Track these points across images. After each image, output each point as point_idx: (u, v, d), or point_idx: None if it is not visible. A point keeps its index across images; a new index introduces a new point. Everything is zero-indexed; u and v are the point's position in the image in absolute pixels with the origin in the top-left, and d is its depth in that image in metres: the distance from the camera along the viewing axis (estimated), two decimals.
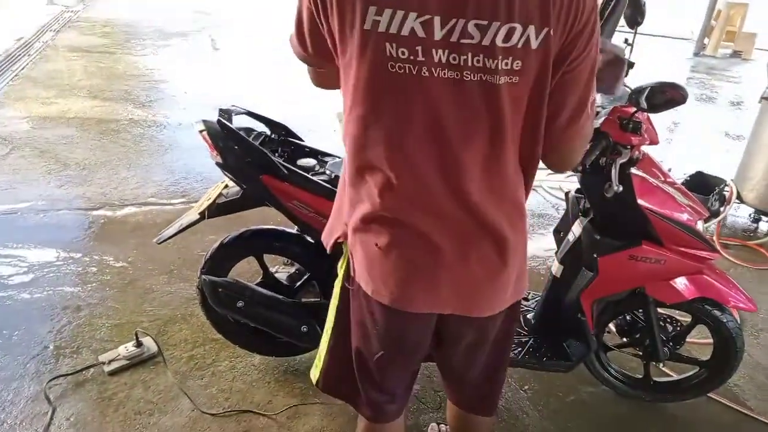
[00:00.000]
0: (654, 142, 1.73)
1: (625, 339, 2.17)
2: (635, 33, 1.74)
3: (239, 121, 1.92)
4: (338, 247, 1.25)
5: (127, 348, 2.28)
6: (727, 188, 3.59)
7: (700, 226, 1.84)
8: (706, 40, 7.57)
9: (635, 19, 1.71)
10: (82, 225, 3.16)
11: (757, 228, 3.59)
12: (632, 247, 1.75)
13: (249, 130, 1.92)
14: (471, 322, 1.18)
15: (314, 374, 1.43)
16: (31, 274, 2.72)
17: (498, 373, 1.40)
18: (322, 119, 4.60)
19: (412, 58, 0.94)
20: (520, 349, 2.05)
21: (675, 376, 2.26)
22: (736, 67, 7.42)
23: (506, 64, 0.94)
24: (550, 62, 0.97)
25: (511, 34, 0.92)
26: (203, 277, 1.96)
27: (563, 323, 2.02)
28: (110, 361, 2.23)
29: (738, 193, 3.56)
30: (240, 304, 1.93)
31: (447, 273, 1.10)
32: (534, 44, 0.94)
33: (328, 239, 1.27)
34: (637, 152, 1.72)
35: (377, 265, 1.11)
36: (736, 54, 7.71)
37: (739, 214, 3.76)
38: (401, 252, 1.09)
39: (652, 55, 6.57)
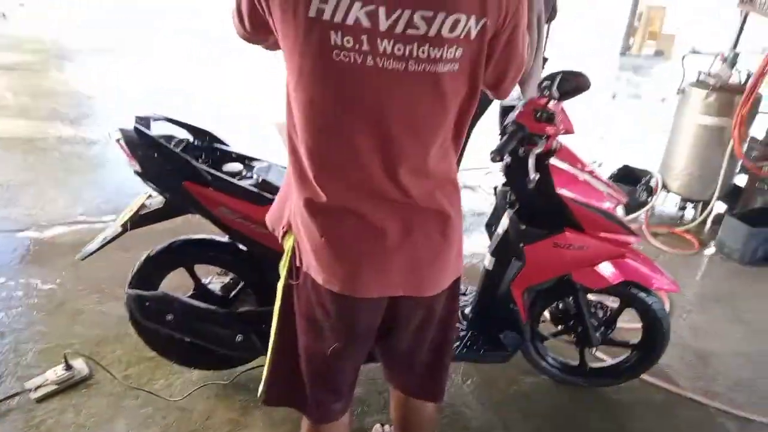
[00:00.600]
0: (569, 131, 1.79)
1: (559, 327, 2.23)
2: (548, 28, 1.81)
3: (161, 129, 1.87)
4: (285, 236, 1.23)
5: (56, 372, 2.16)
6: (653, 179, 3.76)
7: (619, 212, 1.91)
8: (630, 41, 7.97)
9: (550, 15, 1.79)
10: (7, 248, 3.00)
11: (683, 215, 3.77)
12: (555, 235, 1.81)
13: (170, 138, 1.87)
14: (420, 301, 1.22)
15: (260, 390, 1.39)
16: None
17: (445, 353, 1.42)
18: (257, 122, 4.55)
19: (357, 47, 0.95)
20: (458, 342, 2.07)
21: (609, 361, 2.33)
22: (659, 66, 7.82)
23: (450, 53, 0.97)
24: (485, 49, 1.01)
25: (457, 25, 0.95)
26: (128, 291, 1.89)
27: (497, 315, 2.05)
28: (37, 387, 2.11)
29: (664, 182, 3.73)
30: (169, 317, 1.87)
31: (394, 256, 1.13)
32: (473, 34, 0.97)
33: (276, 225, 1.25)
34: (554, 142, 1.78)
35: (325, 253, 1.12)
36: (658, 53, 8.11)
37: (666, 204, 3.93)
38: (348, 239, 1.11)
39: (579, 56, 6.83)
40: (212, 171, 1.77)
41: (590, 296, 2.12)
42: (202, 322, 1.91)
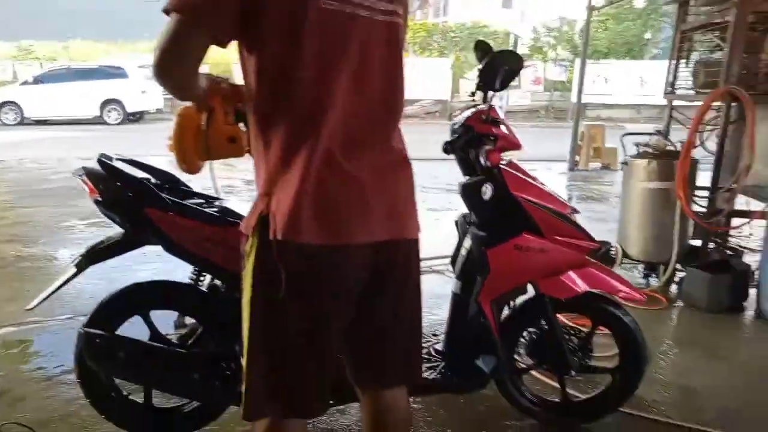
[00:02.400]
0: (517, 145, 1.91)
1: (535, 360, 2.15)
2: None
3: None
4: (260, 221, 1.20)
5: None
6: (612, 249, 3.87)
7: (577, 218, 1.97)
8: (577, 158, 8.61)
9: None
10: None
11: (647, 282, 3.81)
12: (515, 237, 1.83)
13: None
14: (399, 247, 1.29)
15: (241, 409, 1.29)
16: None
17: (418, 333, 1.45)
18: None
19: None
20: (432, 372, 1.97)
21: (590, 394, 2.23)
22: (607, 176, 8.37)
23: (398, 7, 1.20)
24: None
25: None
26: (81, 330, 1.77)
27: (470, 338, 1.98)
28: None
29: (623, 251, 3.84)
30: (121, 354, 1.75)
31: (374, 202, 1.21)
32: None
33: (248, 223, 1.24)
34: (501, 154, 1.88)
35: (314, 208, 1.15)
36: (604, 167, 8.74)
37: (633, 273, 3.98)
38: (332, 191, 1.16)
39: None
40: (173, 198, 1.79)
41: (562, 322, 2.10)
42: (155, 360, 1.79)
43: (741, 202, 3.79)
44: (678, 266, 3.62)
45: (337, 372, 1.34)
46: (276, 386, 1.26)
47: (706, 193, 3.57)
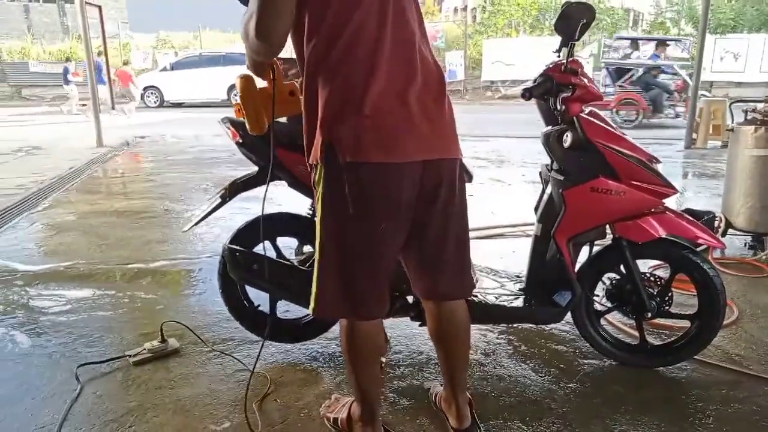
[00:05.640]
0: (598, 96, 2.06)
1: (614, 303, 2.29)
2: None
3: None
4: (326, 149, 1.42)
5: (152, 344, 2.46)
6: (715, 218, 3.79)
7: (658, 167, 2.08)
8: (694, 135, 8.15)
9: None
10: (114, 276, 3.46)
11: (755, 253, 3.70)
12: (591, 180, 2.00)
13: None
14: (444, 165, 1.49)
15: (311, 306, 1.57)
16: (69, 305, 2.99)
17: (466, 247, 1.64)
18: None
19: None
20: (514, 300, 2.19)
21: (668, 339, 2.33)
22: (726, 154, 7.85)
23: None
24: None
25: None
26: (227, 245, 2.22)
27: (548, 274, 2.18)
28: (135, 354, 2.41)
29: (727, 221, 3.76)
30: (255, 266, 2.17)
31: (423, 125, 1.43)
32: None
33: (314, 154, 1.46)
34: (582, 104, 2.04)
35: (372, 131, 1.39)
36: (724, 145, 8.20)
37: (735, 245, 3.88)
38: (384, 115, 1.40)
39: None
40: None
41: (642, 270, 2.21)
42: (281, 272, 2.19)
43: None
44: None
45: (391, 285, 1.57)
46: (341, 290, 1.51)
47: None
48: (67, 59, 17.56)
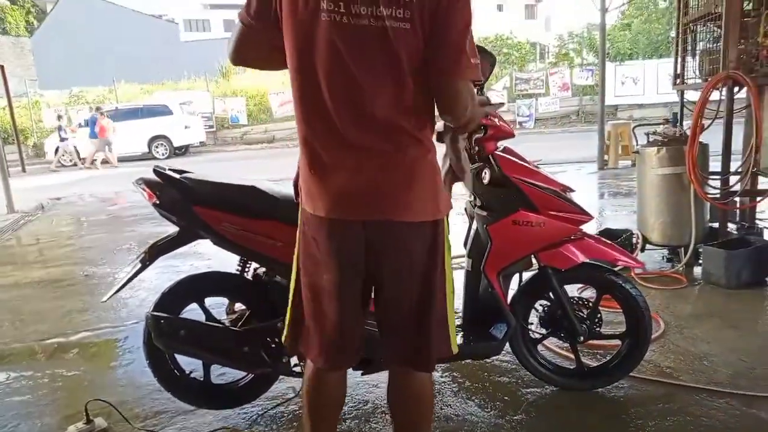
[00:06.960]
0: (509, 134, 2.15)
1: (547, 330, 2.36)
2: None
3: None
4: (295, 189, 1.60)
5: (77, 426, 2.27)
6: (633, 236, 4.01)
7: (571, 195, 2.19)
8: (606, 157, 8.68)
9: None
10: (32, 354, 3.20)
11: (672, 266, 3.92)
12: (512, 213, 2.07)
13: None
14: (391, 228, 1.42)
15: (283, 338, 1.65)
16: None
17: (430, 314, 1.51)
18: None
19: (335, 8, 1.29)
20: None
21: (603, 361, 2.42)
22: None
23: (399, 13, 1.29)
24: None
25: None
26: (150, 313, 2.10)
27: (483, 308, 2.22)
28: None
29: (644, 237, 3.98)
30: (182, 332, 2.06)
31: (366, 185, 1.40)
32: None
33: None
34: (495, 142, 2.12)
35: (314, 186, 1.43)
36: (634, 164, 8.76)
37: (654, 261, 4.10)
38: (327, 174, 1.41)
39: (564, 176, 7.46)
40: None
41: (570, 295, 2.29)
42: (211, 337, 2.10)
43: (764, 182, 3.87)
44: (700, 249, 3.74)
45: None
46: (300, 333, 1.57)
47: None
48: None
